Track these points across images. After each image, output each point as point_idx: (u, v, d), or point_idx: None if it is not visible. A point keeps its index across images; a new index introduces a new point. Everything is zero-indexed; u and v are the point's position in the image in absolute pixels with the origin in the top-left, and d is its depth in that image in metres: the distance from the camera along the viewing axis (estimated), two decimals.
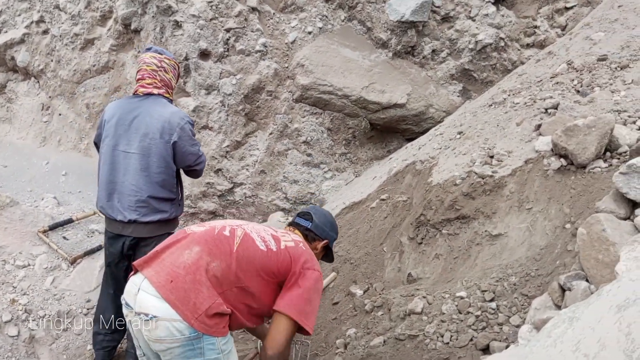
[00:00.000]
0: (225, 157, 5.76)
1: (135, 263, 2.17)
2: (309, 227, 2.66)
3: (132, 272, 2.21)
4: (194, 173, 3.50)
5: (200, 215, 5.84)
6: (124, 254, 3.37)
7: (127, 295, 2.14)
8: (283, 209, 5.80)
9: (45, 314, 3.91)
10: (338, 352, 3.06)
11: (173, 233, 3.48)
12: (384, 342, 2.81)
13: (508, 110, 4.02)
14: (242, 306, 2.17)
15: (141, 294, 2.05)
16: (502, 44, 5.73)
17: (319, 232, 2.67)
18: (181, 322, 1.97)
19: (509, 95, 4.34)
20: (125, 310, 2.17)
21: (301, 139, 5.71)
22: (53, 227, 4.67)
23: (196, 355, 2.02)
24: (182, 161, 3.34)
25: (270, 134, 5.73)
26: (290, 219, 5.40)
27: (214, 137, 5.71)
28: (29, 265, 4.30)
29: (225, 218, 5.90)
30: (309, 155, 5.77)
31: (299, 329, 2.23)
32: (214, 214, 5.87)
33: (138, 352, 2.29)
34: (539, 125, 3.47)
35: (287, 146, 5.76)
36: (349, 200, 4.86)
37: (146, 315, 2.01)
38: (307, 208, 2.81)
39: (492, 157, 3.36)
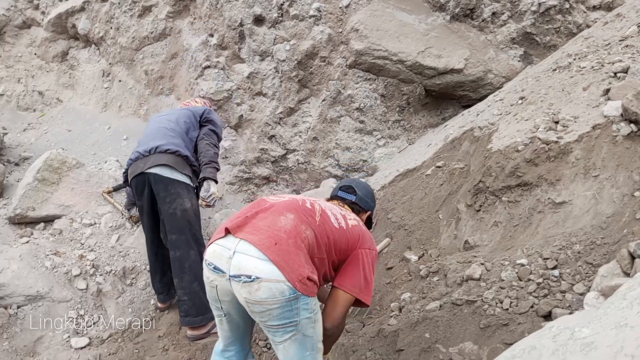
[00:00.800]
0: (279, 123, 5.80)
1: (228, 226, 2.17)
2: (354, 200, 2.77)
3: (218, 237, 2.21)
4: (210, 136, 3.84)
5: (254, 180, 5.94)
6: (151, 200, 3.63)
7: (217, 259, 2.13)
8: (335, 176, 5.82)
9: (111, 270, 4.13)
10: (393, 315, 3.10)
11: (190, 188, 3.67)
12: (440, 306, 2.82)
13: (574, 74, 3.85)
14: (321, 275, 2.29)
15: (239, 256, 2.06)
16: (567, 5, 5.45)
17: (363, 205, 2.79)
18: (284, 283, 2.01)
19: (574, 60, 4.16)
20: (211, 275, 2.17)
21: (354, 106, 5.67)
22: (117, 189, 4.87)
23: (293, 315, 2.08)
24: (203, 115, 3.91)
25: (323, 100, 5.72)
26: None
27: (267, 103, 5.75)
28: (95, 223, 4.52)
29: (278, 183, 5.98)
30: (362, 122, 5.73)
31: (357, 302, 2.38)
32: (267, 179, 5.96)
33: (217, 313, 2.34)
34: (608, 90, 3.32)
35: (339, 113, 5.73)
36: (403, 167, 4.83)
37: (248, 277, 2.01)
38: (347, 181, 2.90)
39: (557, 122, 3.25)
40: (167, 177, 3.46)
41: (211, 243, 2.21)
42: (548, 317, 2.34)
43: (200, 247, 3.57)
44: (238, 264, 2.05)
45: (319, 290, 2.38)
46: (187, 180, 3.56)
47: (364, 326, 3.23)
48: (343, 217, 2.46)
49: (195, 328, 3.53)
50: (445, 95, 5.61)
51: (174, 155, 3.53)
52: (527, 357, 1.22)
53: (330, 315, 2.33)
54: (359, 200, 2.77)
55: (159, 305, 3.96)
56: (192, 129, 3.74)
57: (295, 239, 2.11)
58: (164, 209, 3.51)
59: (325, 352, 2.49)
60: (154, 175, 3.46)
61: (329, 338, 2.38)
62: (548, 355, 1.18)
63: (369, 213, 2.83)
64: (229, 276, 2.07)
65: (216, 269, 2.13)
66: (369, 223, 2.88)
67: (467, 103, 5.56)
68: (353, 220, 2.51)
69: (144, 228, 3.78)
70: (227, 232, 2.17)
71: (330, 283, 2.47)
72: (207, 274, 2.21)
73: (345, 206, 2.72)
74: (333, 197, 2.81)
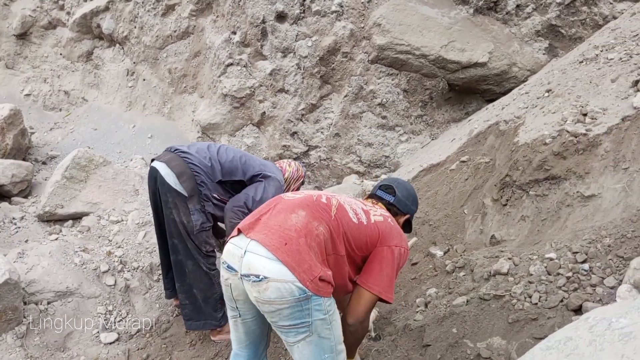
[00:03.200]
0: (301, 120, 5.82)
1: (240, 227, 2.17)
2: (392, 201, 2.62)
3: (232, 236, 2.20)
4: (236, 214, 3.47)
5: None
6: (158, 194, 3.38)
7: (230, 258, 2.13)
8: (357, 172, 5.82)
9: (138, 266, 4.19)
10: (419, 311, 3.08)
11: (191, 213, 3.34)
12: (467, 301, 2.79)
13: (601, 66, 3.79)
14: (336, 274, 2.19)
15: (249, 255, 2.04)
16: None
17: (402, 207, 2.63)
18: (292, 284, 1.96)
19: (601, 51, 4.09)
20: (225, 274, 2.16)
21: (376, 101, 5.66)
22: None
23: (304, 316, 2.03)
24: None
25: (345, 96, 5.72)
26: (366, 182, 5.45)
27: (289, 100, 5.77)
28: (122, 220, 4.59)
29: None
30: (384, 117, 5.71)
31: (379, 299, 2.30)
32: None
33: (232, 313, 2.31)
34: (637, 82, 3.27)
35: (361, 109, 5.73)
36: (427, 162, 4.80)
37: (256, 276, 1.99)
38: (389, 181, 2.75)
39: (585, 115, 3.20)
40: (168, 184, 3.29)
41: (227, 242, 2.22)
42: (578, 311, 2.31)
43: (202, 259, 3.42)
44: (248, 263, 2.02)
45: (335, 294, 2.28)
46: (189, 193, 3.33)
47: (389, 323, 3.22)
48: (365, 213, 2.35)
49: (218, 332, 3.54)
50: (469, 89, 5.56)
51: (186, 166, 3.32)
52: (563, 348, 1.21)
53: (353, 311, 2.26)
54: (397, 202, 2.62)
55: (172, 300, 3.94)
56: (232, 172, 3.45)
57: (306, 238, 2.05)
58: (166, 214, 3.38)
59: (351, 355, 2.43)
60: (160, 177, 3.31)
61: (353, 336, 2.32)
62: (585, 346, 1.17)
63: (407, 216, 2.67)
64: (241, 275, 2.05)
65: (229, 267, 2.12)
66: (407, 227, 2.74)
67: (491, 97, 5.50)
68: (379, 216, 2.39)
69: (154, 222, 3.65)
70: (240, 232, 2.16)
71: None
72: (222, 273, 2.20)
73: (380, 204, 2.60)
74: (371, 196, 2.71)
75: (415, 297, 3.25)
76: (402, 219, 2.66)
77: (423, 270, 3.49)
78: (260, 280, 1.98)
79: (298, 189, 3.75)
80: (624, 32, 4.24)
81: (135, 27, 6.88)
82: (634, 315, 1.17)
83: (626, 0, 5.53)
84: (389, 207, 2.62)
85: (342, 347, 2.24)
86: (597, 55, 4.05)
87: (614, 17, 5.26)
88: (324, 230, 2.13)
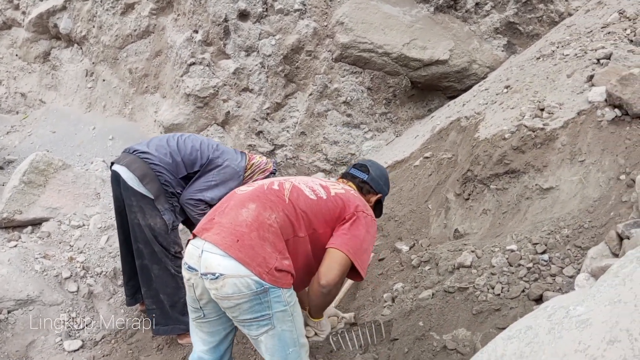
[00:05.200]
0: (266, 119, 5.79)
1: (194, 231, 2.19)
2: (365, 179, 2.63)
3: (189, 239, 2.23)
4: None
5: None
6: (121, 198, 3.35)
7: (190, 259, 2.14)
8: (324, 170, 5.84)
9: (102, 271, 4.10)
10: (386, 305, 3.11)
11: (161, 213, 3.30)
12: (433, 294, 2.84)
13: (557, 62, 3.89)
14: (302, 257, 2.20)
15: (205, 254, 2.06)
16: None
17: (374, 185, 2.64)
18: (249, 278, 1.97)
19: (557, 47, 4.21)
20: (187, 274, 2.18)
21: (341, 99, 5.68)
22: None
23: (264, 308, 2.04)
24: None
25: (310, 94, 5.72)
26: (332, 179, 5.47)
27: (254, 99, 5.74)
28: (83, 225, 4.49)
29: None
30: (349, 115, 5.74)
31: (350, 272, 2.25)
32: None
33: (195, 315, 2.30)
34: (591, 76, 3.36)
35: (326, 107, 5.74)
36: (391, 159, 4.85)
37: (213, 274, 2.01)
38: (363, 160, 2.78)
39: (542, 109, 3.28)
40: (132, 187, 3.24)
41: (186, 245, 2.24)
42: (539, 300, 2.37)
43: (170, 261, 3.39)
44: (205, 261, 2.05)
45: (300, 280, 2.26)
46: (154, 195, 3.28)
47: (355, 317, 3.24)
48: (324, 188, 2.32)
49: (186, 336, 3.49)
50: (431, 86, 5.64)
51: (148, 168, 3.26)
52: (523, 337, 1.24)
53: (325, 272, 2.15)
54: (370, 180, 2.61)
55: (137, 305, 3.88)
56: (191, 163, 3.40)
57: (258, 231, 2.06)
58: (130, 218, 3.33)
59: (318, 315, 2.41)
60: (123, 181, 3.26)
61: (325, 298, 2.23)
62: (544, 334, 1.20)
63: (379, 196, 2.67)
64: (200, 274, 2.07)
65: (190, 267, 2.14)
66: (378, 208, 2.74)
67: (453, 94, 5.59)
68: (340, 189, 2.37)
69: (117, 227, 3.60)
70: (195, 235, 2.18)
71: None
72: (184, 274, 2.22)
73: (350, 183, 2.60)
74: (344, 175, 2.70)
75: (383, 292, 3.28)
76: (374, 198, 2.66)
77: (390, 265, 3.53)
78: (216, 278, 2.01)
79: None
80: (579, 29, 4.36)
81: (93, 27, 6.72)
82: (590, 302, 1.21)
83: None
84: (362, 185, 2.62)
85: (305, 340, 2.25)
86: (553, 51, 4.16)
87: (569, 14, 5.42)
88: (278, 218, 2.13)
